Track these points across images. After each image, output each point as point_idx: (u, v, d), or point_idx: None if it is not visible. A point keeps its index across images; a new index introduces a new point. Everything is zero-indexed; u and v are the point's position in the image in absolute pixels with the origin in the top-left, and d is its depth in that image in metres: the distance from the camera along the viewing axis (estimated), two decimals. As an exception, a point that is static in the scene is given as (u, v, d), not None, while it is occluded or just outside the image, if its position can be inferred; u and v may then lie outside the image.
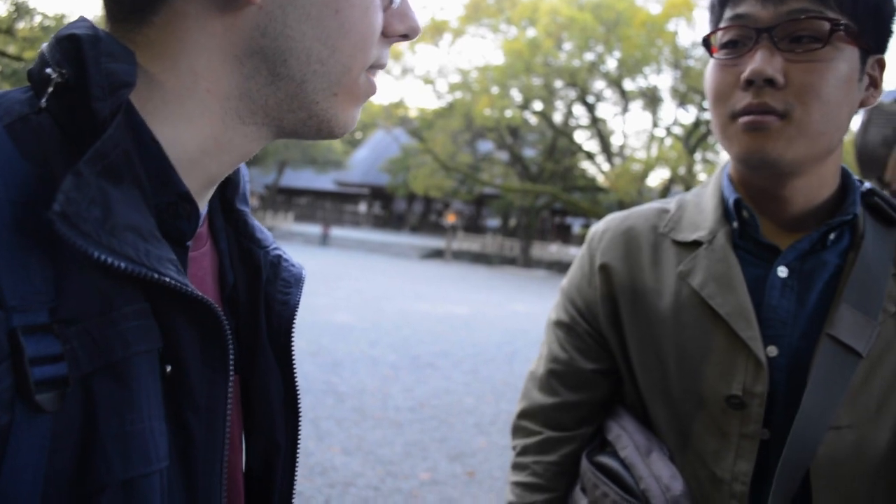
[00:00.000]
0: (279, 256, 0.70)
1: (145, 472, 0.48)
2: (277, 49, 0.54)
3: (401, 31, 0.61)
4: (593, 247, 1.11)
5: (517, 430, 1.15)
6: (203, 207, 0.61)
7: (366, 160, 43.90)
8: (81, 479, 0.45)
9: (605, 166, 28.68)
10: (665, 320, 1.00)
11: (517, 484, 1.10)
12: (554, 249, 32.06)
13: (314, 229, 34.86)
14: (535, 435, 1.11)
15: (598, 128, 29.21)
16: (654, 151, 27.06)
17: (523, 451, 1.12)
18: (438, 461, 4.77)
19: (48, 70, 0.50)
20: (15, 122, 0.48)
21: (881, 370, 0.91)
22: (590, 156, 30.01)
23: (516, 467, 1.12)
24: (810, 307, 0.95)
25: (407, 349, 8.62)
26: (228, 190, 0.69)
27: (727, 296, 0.96)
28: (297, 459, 0.70)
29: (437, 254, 29.82)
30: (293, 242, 28.51)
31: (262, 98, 0.56)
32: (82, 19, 0.54)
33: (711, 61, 0.97)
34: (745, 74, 0.90)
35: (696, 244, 1.02)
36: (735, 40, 0.93)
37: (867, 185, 1.02)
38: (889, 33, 0.94)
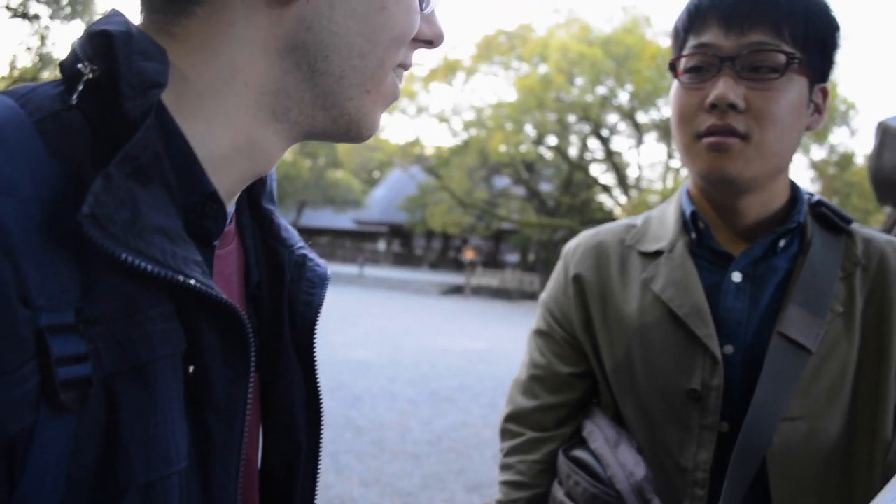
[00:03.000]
0: (304, 256, 0.70)
1: (166, 474, 0.48)
2: (321, 43, 0.55)
3: (427, 35, 0.62)
4: (567, 260, 1.22)
5: (504, 434, 1.24)
6: (231, 207, 0.61)
7: (384, 198, 44.26)
8: (103, 480, 0.45)
9: (622, 199, 28.76)
10: (632, 323, 1.10)
11: (504, 483, 1.19)
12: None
13: (334, 268, 35.04)
14: (518, 436, 1.20)
15: (614, 161, 29.36)
16: (670, 182, 27.11)
17: (509, 452, 1.21)
18: (456, 492, 4.82)
19: (80, 66, 0.50)
20: (45, 118, 0.48)
21: (830, 365, 1.00)
22: (606, 189, 30.12)
23: (503, 467, 1.21)
24: (762, 308, 1.05)
25: (425, 384, 8.67)
26: (255, 188, 0.68)
27: (685, 298, 1.06)
28: (320, 460, 0.71)
29: (456, 290, 29.87)
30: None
31: (299, 94, 0.56)
32: (116, 13, 0.53)
33: (676, 84, 1.07)
34: (710, 99, 1.00)
35: (658, 253, 1.13)
36: (699, 66, 1.03)
37: (815, 197, 1.13)
38: (831, 64, 1.05)
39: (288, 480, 0.69)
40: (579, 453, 1.10)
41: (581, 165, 30.13)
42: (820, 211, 1.11)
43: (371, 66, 0.57)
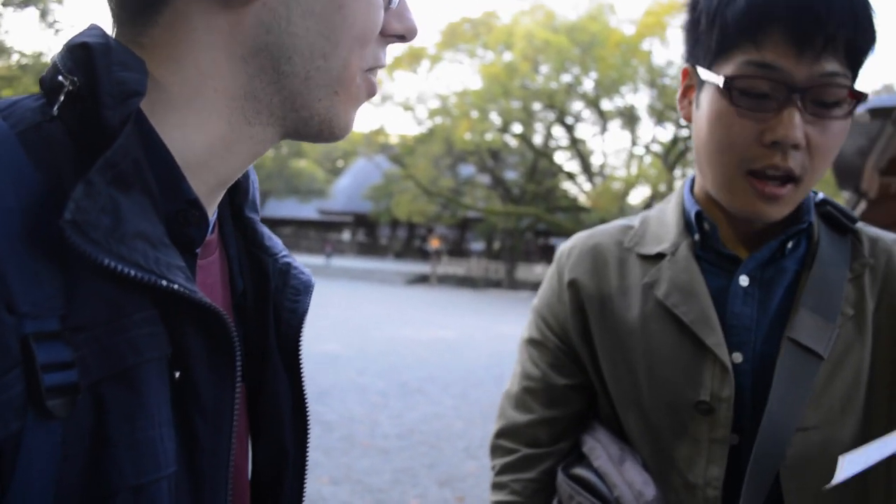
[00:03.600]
0: (288, 264, 0.70)
1: (154, 478, 0.48)
2: (282, 45, 0.55)
3: (398, 30, 0.62)
4: (562, 264, 1.12)
5: (495, 450, 1.15)
6: (212, 213, 0.62)
7: (348, 188, 43.99)
8: (92, 485, 0.46)
9: (587, 186, 28.94)
10: (633, 331, 1.02)
11: (498, 503, 1.10)
12: (539, 270, 32.13)
13: (298, 259, 34.70)
14: (512, 453, 1.11)
15: (578, 148, 29.52)
16: (634, 169, 27.34)
17: (502, 471, 1.12)
18: (428, 487, 4.74)
19: (60, 78, 0.51)
20: (27, 130, 0.49)
21: (843, 371, 0.94)
22: (571, 176, 30.28)
23: (496, 487, 1.12)
24: (772, 313, 0.97)
25: (395, 375, 8.58)
26: (238, 197, 0.69)
27: (691, 304, 0.98)
28: (307, 466, 0.70)
29: (422, 279, 29.83)
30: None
31: (267, 97, 0.57)
32: (94, 27, 0.54)
33: (720, 101, 0.91)
34: (774, 136, 0.87)
35: (659, 256, 1.04)
36: (763, 93, 0.88)
37: (820, 195, 1.05)
38: None
39: (275, 488, 0.69)
40: (581, 471, 1.02)
41: (546, 153, 30.22)
42: (826, 210, 1.03)
43: (336, 67, 0.57)
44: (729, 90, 0.89)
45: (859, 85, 0.90)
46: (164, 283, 0.48)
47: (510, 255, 30.84)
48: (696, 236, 1.03)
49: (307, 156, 39.09)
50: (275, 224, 49.39)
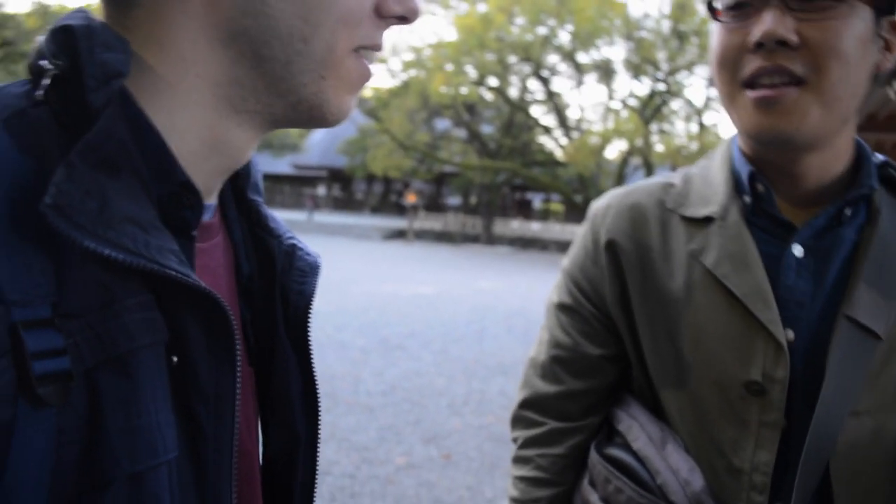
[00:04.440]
0: (294, 246, 0.69)
1: (152, 465, 0.48)
2: (260, 29, 0.53)
3: (398, 11, 0.58)
4: (597, 223, 1.03)
5: (518, 421, 1.09)
6: (211, 200, 0.61)
7: (322, 142, 43.42)
8: (88, 473, 0.45)
9: (563, 140, 28.81)
10: (677, 301, 0.95)
11: (521, 479, 1.04)
12: (516, 225, 32.14)
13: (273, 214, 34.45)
14: (538, 426, 1.05)
15: (554, 102, 29.32)
16: (611, 124, 27.25)
17: (526, 444, 1.06)
18: (413, 445, 4.74)
19: (43, 62, 0.50)
20: (12, 116, 0.48)
21: None
22: (547, 130, 30.13)
23: (519, 461, 1.06)
24: (828, 287, 0.90)
25: (375, 332, 8.55)
26: (239, 180, 0.67)
27: (743, 275, 0.91)
28: (319, 450, 0.70)
29: (399, 234, 29.71)
30: (252, 229, 28.05)
31: (251, 83, 0.55)
32: (79, 10, 0.53)
33: (715, 26, 0.90)
34: (756, 36, 0.83)
35: (707, 220, 0.96)
36: (742, 2, 0.86)
37: (881, 157, 0.97)
38: None
39: (288, 472, 0.68)
40: (618, 453, 0.95)
41: (522, 107, 30.00)
42: (887, 173, 0.95)
43: (319, 51, 0.55)
44: (712, 10, 0.89)
45: None
46: (156, 266, 0.47)
47: (487, 210, 30.77)
48: (748, 199, 0.95)
49: (280, 109, 38.42)
50: (248, 179, 48.73)
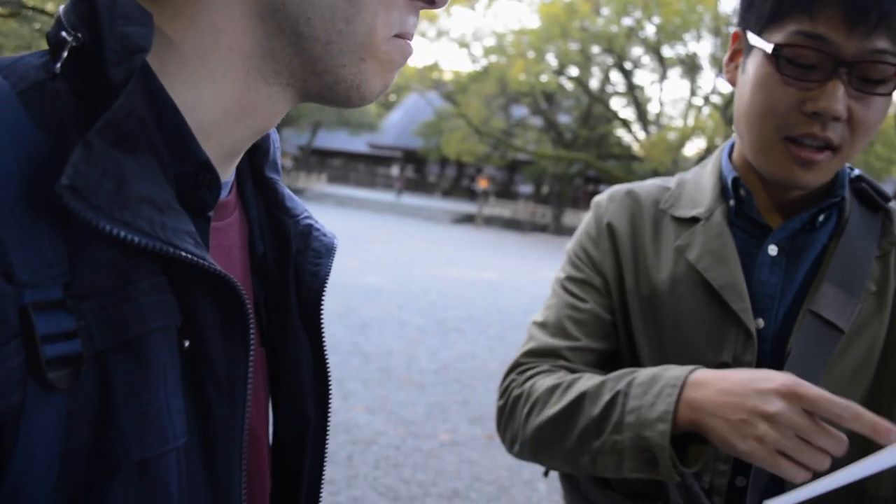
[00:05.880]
0: (310, 226, 0.69)
1: (161, 451, 0.47)
2: (300, 5, 0.51)
3: None
4: (600, 211, 1.15)
5: (512, 369, 1.11)
6: (228, 176, 0.60)
7: (399, 123, 43.77)
8: (96, 459, 0.44)
9: (641, 135, 28.30)
10: (663, 292, 1.05)
11: (544, 390, 1.03)
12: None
13: (346, 191, 35.16)
14: (535, 367, 1.08)
15: (635, 95, 28.78)
16: (691, 121, 26.61)
17: (530, 377, 1.07)
18: (459, 423, 4.88)
19: (63, 33, 0.48)
20: (29, 88, 0.46)
21: (858, 343, 0.98)
22: (625, 123, 29.62)
23: (525, 386, 1.06)
24: (797, 284, 1.01)
25: (434, 313, 8.73)
26: (258, 157, 0.67)
27: (721, 269, 1.01)
28: (328, 432, 0.70)
29: (468, 219, 29.83)
30: (326, 204, 28.71)
31: (287, 58, 0.54)
32: None
33: (767, 67, 0.93)
34: (816, 106, 0.89)
35: (693, 220, 1.07)
36: (810, 65, 0.90)
37: (856, 171, 1.07)
38: None
39: (297, 453, 0.68)
40: None
41: (601, 98, 29.57)
42: (859, 186, 1.06)
43: (360, 32, 0.53)
44: (776, 57, 0.91)
45: None
46: (171, 249, 0.46)
47: (558, 201, 30.57)
48: (732, 202, 1.06)
49: (360, 88, 38.88)
50: (325, 155, 49.66)
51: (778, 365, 0.97)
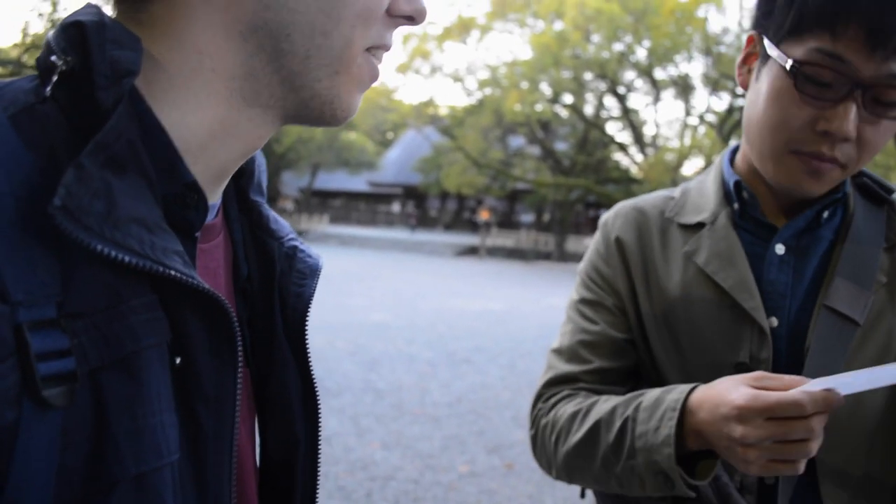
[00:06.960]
0: (295, 248, 0.70)
1: (157, 466, 0.48)
2: (281, 22, 0.53)
3: (407, 11, 0.59)
4: (608, 229, 1.17)
5: (537, 399, 1.14)
6: (216, 199, 0.61)
7: (398, 160, 44.10)
8: (93, 475, 0.45)
9: (639, 157, 28.42)
10: (676, 299, 1.07)
11: (566, 419, 1.06)
12: (588, 243, 31.76)
13: (349, 231, 35.26)
14: (559, 394, 1.11)
15: (630, 118, 28.97)
16: (688, 140, 26.76)
17: (553, 405, 1.10)
18: (477, 454, 4.84)
19: (53, 58, 0.49)
20: (20, 112, 0.47)
21: (875, 336, 0.98)
22: (622, 147, 29.77)
23: (550, 415, 1.09)
24: (807, 280, 1.02)
25: (443, 346, 8.70)
26: (243, 180, 0.68)
27: (730, 270, 1.03)
28: (319, 452, 0.70)
29: (471, 251, 29.86)
30: (329, 244, 28.77)
31: (266, 76, 0.55)
32: (89, 6, 0.53)
33: (784, 79, 0.93)
34: (828, 126, 0.90)
35: (699, 226, 1.09)
36: (826, 83, 0.90)
37: None
38: None
39: (288, 474, 0.69)
40: None
41: (597, 124, 29.78)
42: (862, 181, 1.08)
43: (337, 46, 0.55)
44: (795, 74, 0.91)
45: None
46: (161, 268, 0.47)
47: (560, 228, 30.60)
48: (735, 205, 1.07)
49: (357, 128, 39.28)
50: (326, 196, 49.93)
51: (796, 362, 0.98)
